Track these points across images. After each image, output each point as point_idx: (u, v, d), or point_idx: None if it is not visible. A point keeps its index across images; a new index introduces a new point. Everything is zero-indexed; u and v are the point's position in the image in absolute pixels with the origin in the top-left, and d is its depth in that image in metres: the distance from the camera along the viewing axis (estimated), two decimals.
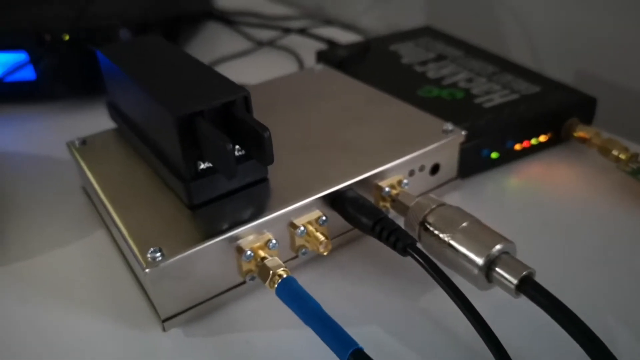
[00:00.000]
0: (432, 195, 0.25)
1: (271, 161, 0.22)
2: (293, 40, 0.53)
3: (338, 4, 0.67)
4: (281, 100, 0.33)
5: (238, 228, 0.23)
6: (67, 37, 0.41)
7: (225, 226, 0.23)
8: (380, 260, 0.26)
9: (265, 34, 0.55)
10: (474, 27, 0.50)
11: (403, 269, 0.25)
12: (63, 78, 0.42)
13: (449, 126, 0.29)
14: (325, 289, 0.24)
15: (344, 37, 0.53)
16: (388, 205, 0.27)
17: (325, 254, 0.24)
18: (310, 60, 0.48)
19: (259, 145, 0.22)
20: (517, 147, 0.32)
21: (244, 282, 0.24)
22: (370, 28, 0.63)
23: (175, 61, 0.27)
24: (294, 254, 0.25)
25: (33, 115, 0.42)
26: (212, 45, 0.54)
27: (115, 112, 0.30)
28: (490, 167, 0.32)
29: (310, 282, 0.23)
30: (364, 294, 0.24)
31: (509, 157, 0.33)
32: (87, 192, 0.31)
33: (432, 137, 0.28)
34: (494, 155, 0.32)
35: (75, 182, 0.32)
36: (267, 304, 0.24)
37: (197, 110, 0.22)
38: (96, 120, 0.40)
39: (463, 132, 0.29)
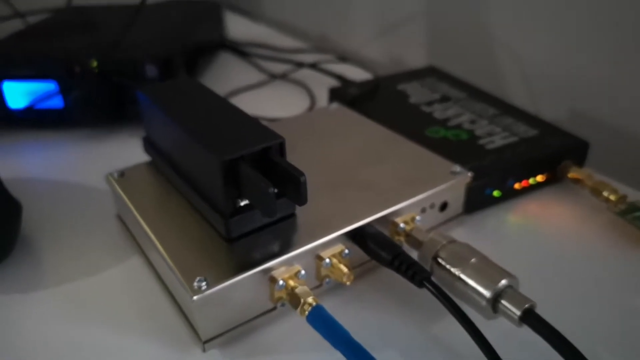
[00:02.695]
0: (442, 232, 0.28)
1: (305, 202, 0.25)
2: (304, 74, 0.56)
3: (342, 36, 0.70)
4: (301, 138, 0.36)
5: (272, 260, 0.25)
6: (95, 65, 0.44)
7: (260, 258, 0.25)
8: (395, 290, 0.29)
9: (277, 67, 0.58)
10: (472, 64, 0.54)
11: (416, 299, 0.28)
12: (90, 107, 0.45)
13: (457, 168, 0.32)
14: (346, 315, 0.27)
15: (352, 72, 0.56)
16: (402, 239, 0.30)
17: (348, 283, 0.26)
18: (320, 93, 0.52)
19: (295, 187, 0.24)
20: (517, 186, 0.35)
21: (274, 308, 0.26)
22: (373, 59, 0.66)
23: (212, 104, 0.29)
24: (318, 283, 0.28)
25: (60, 142, 0.45)
26: (225, 77, 0.57)
27: (152, 147, 0.33)
28: (492, 204, 0.35)
29: (332, 309, 0.25)
30: (382, 321, 0.27)
31: (509, 195, 0.36)
32: (123, 221, 0.33)
33: (442, 178, 0.31)
34: (496, 193, 0.35)
35: (108, 209, 0.35)
36: (295, 327, 0.26)
37: (239, 155, 0.25)
38: (121, 148, 0.43)
39: (469, 174, 0.32)
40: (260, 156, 0.26)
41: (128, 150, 0.43)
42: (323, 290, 0.28)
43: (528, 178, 0.36)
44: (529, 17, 0.48)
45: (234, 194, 0.26)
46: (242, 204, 0.26)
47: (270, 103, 0.51)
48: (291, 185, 0.25)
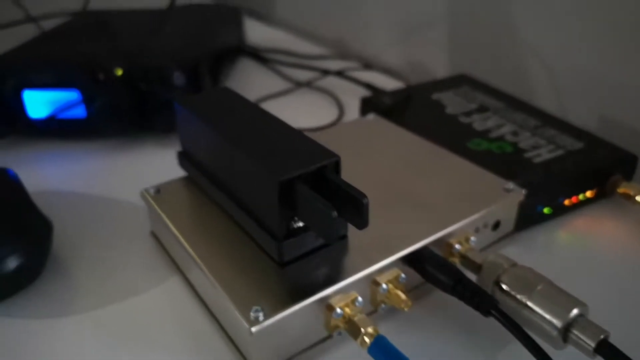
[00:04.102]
0: (501, 253, 0.27)
1: (366, 225, 0.23)
2: (330, 82, 0.55)
3: (360, 41, 0.69)
4: (342, 151, 0.34)
5: (329, 288, 0.24)
6: (120, 72, 0.42)
7: (317, 285, 0.24)
8: (453, 314, 0.27)
9: (299, 74, 0.57)
10: (496, 69, 0.52)
11: (476, 325, 0.26)
12: (114, 117, 0.43)
13: (510, 185, 0.30)
14: (404, 342, 0.25)
15: (379, 79, 0.55)
16: (457, 260, 0.28)
17: (406, 310, 0.25)
18: (348, 101, 0.50)
19: (356, 210, 0.23)
20: (567, 202, 0.34)
21: (330, 336, 0.25)
22: (392, 65, 0.65)
23: (255, 117, 0.28)
24: (373, 308, 0.26)
25: (84, 153, 0.43)
26: (249, 84, 0.56)
27: (189, 162, 0.31)
28: (542, 221, 0.34)
29: (388, 335, 0.24)
30: (440, 348, 0.26)
31: (559, 212, 0.34)
32: (159, 238, 0.32)
33: (496, 195, 0.30)
34: (546, 210, 0.33)
35: (140, 225, 0.33)
36: (351, 356, 0.25)
37: (297, 175, 0.23)
38: (148, 159, 0.42)
39: (523, 191, 0.30)
40: (315, 175, 0.24)
41: (155, 161, 0.41)
42: (378, 315, 0.27)
43: (578, 194, 0.34)
44: (558, 20, 0.47)
45: (288, 216, 0.24)
46: (296, 226, 0.25)
47: (298, 112, 0.49)
48: (351, 207, 0.23)
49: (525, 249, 0.32)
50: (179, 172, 0.37)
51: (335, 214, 0.22)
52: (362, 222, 0.23)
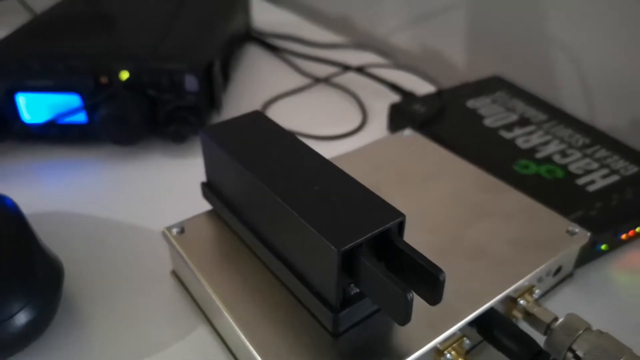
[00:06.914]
0: (574, 314, 0.24)
1: (439, 301, 0.20)
2: (347, 77, 0.51)
3: (368, 20, 0.64)
4: (380, 178, 0.31)
5: None
6: (125, 77, 0.38)
7: None
8: None
9: (311, 66, 0.53)
10: (518, 59, 0.49)
11: None
12: (118, 124, 0.39)
13: (575, 228, 0.28)
14: None
15: (401, 77, 0.51)
16: (519, 316, 0.25)
17: None
18: (372, 104, 0.46)
19: (428, 285, 0.20)
20: (624, 236, 0.31)
21: None
22: (403, 49, 0.61)
23: (301, 158, 0.24)
24: None
25: (86, 163, 0.39)
26: (260, 80, 0.51)
27: (219, 199, 0.28)
28: (597, 258, 0.31)
29: None
30: None
31: (615, 247, 0.32)
32: (181, 280, 0.29)
33: (560, 240, 0.27)
34: (604, 247, 0.31)
35: (159, 261, 0.30)
36: None
37: (359, 242, 0.20)
38: (157, 171, 0.38)
39: (589, 234, 0.28)
40: (376, 238, 0.21)
41: (167, 174, 0.38)
42: None
43: (635, 227, 0.32)
44: (588, 14, 0.43)
45: (346, 283, 0.21)
46: (353, 293, 0.22)
47: (316, 113, 0.46)
48: (421, 279, 0.20)
49: (580, 289, 0.29)
50: (194, 189, 0.34)
51: (411, 295, 0.19)
52: (435, 298, 0.20)
